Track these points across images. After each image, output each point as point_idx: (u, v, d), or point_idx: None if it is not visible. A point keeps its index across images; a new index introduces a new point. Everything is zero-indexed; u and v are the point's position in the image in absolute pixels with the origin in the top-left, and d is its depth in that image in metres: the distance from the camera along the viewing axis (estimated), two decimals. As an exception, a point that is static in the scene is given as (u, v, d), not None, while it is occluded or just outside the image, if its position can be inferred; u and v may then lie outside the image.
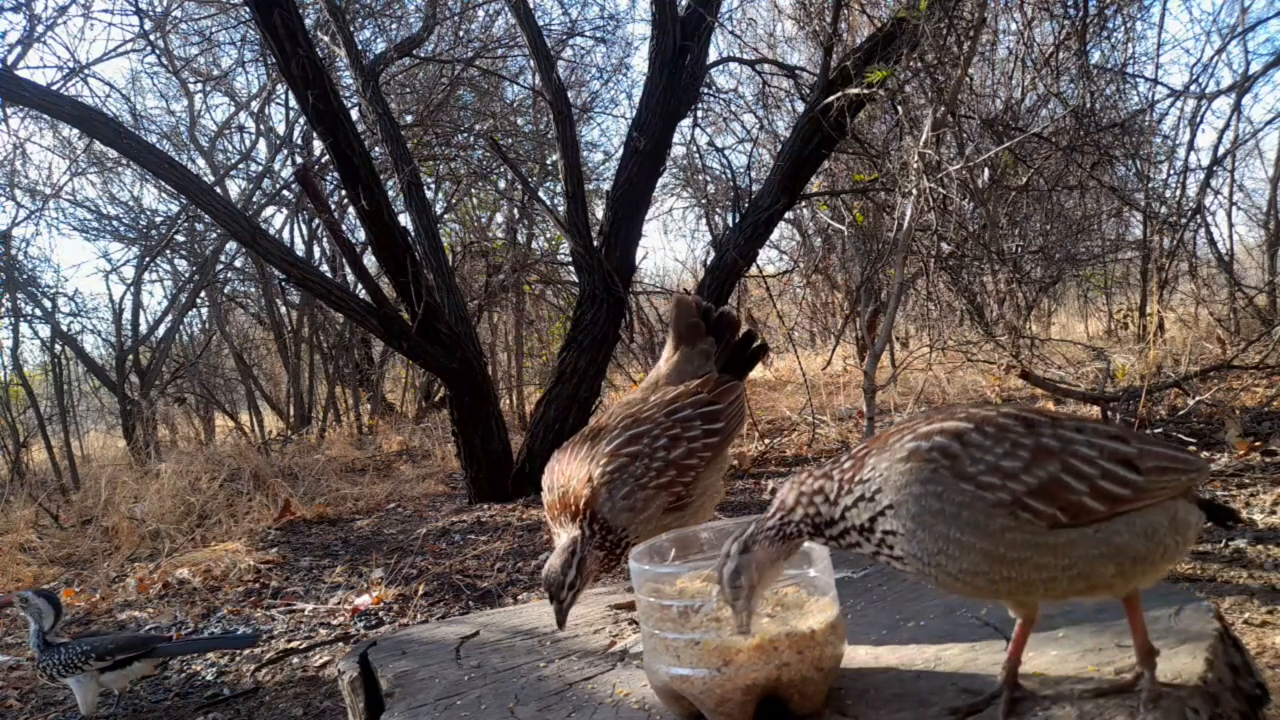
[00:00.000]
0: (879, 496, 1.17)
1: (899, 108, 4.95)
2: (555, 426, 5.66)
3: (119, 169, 10.07)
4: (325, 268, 10.26)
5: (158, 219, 10.44)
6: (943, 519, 1.13)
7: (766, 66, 6.65)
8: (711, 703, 1.23)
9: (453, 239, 10.12)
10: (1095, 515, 1.12)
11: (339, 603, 4.00)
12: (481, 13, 8.87)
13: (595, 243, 5.81)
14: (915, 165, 4.30)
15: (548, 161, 9.28)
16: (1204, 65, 6.84)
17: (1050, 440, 1.15)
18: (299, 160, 10.00)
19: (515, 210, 10.19)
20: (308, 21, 5.44)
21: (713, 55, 6.39)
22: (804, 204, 7.77)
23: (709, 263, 6.05)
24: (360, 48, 6.64)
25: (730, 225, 6.31)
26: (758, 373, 10.46)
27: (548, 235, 9.88)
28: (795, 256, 10.57)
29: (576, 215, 5.68)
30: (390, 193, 5.57)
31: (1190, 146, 6.08)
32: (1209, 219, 6.89)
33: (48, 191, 9.65)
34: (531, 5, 6.03)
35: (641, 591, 1.32)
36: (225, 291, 11.00)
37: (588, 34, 8.94)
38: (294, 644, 3.55)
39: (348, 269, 8.05)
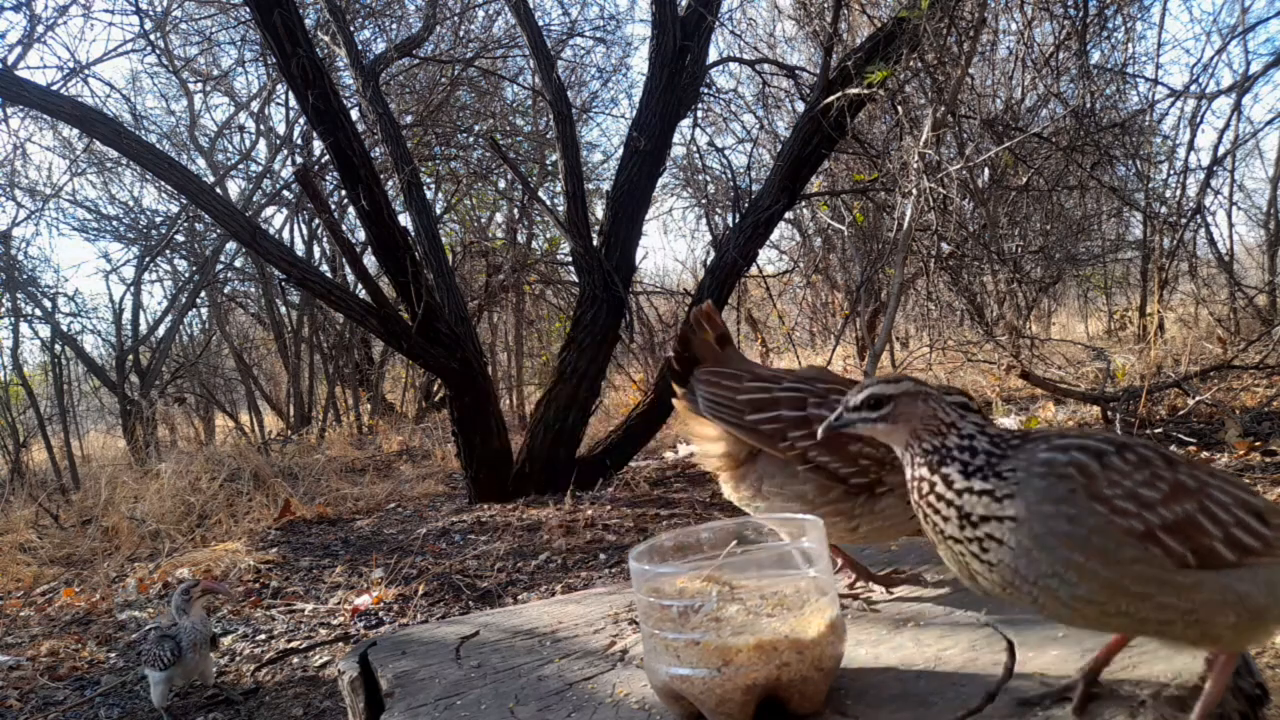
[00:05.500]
0: (1006, 503, 1.12)
1: (899, 108, 4.96)
2: (555, 426, 5.66)
3: (119, 169, 10.09)
4: (325, 268, 10.27)
5: (158, 219, 10.46)
6: (1068, 542, 1.08)
7: (766, 66, 6.65)
8: (711, 703, 1.23)
9: (453, 239, 10.13)
10: (1224, 562, 1.08)
11: (339, 603, 4.00)
12: (481, 13, 8.88)
13: (595, 243, 5.81)
14: (915, 165, 4.30)
15: (548, 161, 9.28)
16: (1204, 65, 6.87)
17: (1188, 479, 1.11)
18: (299, 160, 10.00)
19: (515, 210, 10.20)
20: (308, 21, 5.44)
21: (713, 55, 6.40)
22: (804, 204, 7.78)
23: (709, 263, 6.05)
24: (360, 48, 6.64)
25: (730, 225, 6.31)
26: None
27: (548, 235, 9.89)
28: (795, 256, 10.57)
29: (576, 215, 5.67)
30: (390, 193, 5.57)
31: (1190, 146, 6.10)
32: (1209, 219, 6.90)
33: (48, 191, 9.67)
34: (531, 5, 6.03)
35: (641, 591, 1.32)
36: (225, 291, 11.01)
37: (588, 34, 8.95)
38: (294, 644, 3.55)
39: (348, 269, 8.06)
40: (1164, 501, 1.08)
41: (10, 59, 7.33)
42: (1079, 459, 1.11)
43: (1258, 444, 4.55)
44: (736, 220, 5.94)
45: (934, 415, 1.20)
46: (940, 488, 1.17)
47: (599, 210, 7.89)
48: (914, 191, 4.36)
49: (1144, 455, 1.12)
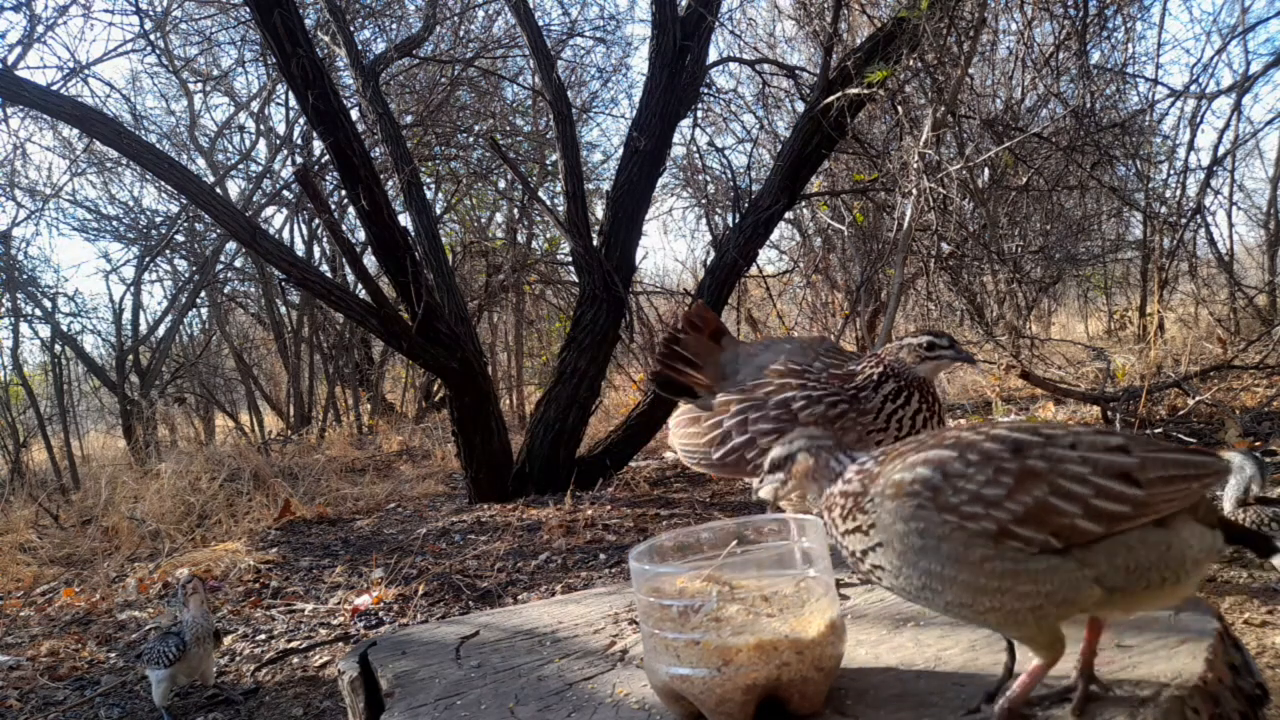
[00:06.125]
0: (872, 532, 1.17)
1: (899, 108, 4.96)
2: (555, 426, 5.66)
3: (119, 169, 10.09)
4: (325, 268, 10.27)
5: (158, 219, 10.46)
6: (925, 555, 1.11)
7: (766, 66, 6.65)
8: (711, 703, 1.23)
9: (453, 239, 10.13)
10: (1091, 536, 1.07)
11: (339, 603, 4.00)
12: (481, 13, 8.88)
13: (595, 243, 5.81)
14: (915, 165, 4.30)
15: (548, 161, 9.28)
16: (1204, 65, 6.88)
17: (1037, 462, 1.10)
18: (299, 160, 10.00)
19: (515, 210, 10.20)
20: (308, 21, 5.44)
21: (713, 55, 6.39)
22: (804, 204, 7.78)
23: (709, 263, 6.05)
24: (360, 48, 6.64)
25: (730, 225, 6.31)
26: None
27: (548, 235, 9.89)
28: (795, 256, 10.55)
29: (576, 215, 5.68)
30: (390, 193, 5.57)
31: (1190, 146, 6.10)
32: (1209, 219, 6.91)
33: (48, 191, 9.67)
34: (531, 5, 6.03)
35: (641, 591, 1.32)
36: (225, 291, 11.01)
37: (588, 34, 8.95)
38: (294, 644, 3.55)
39: (348, 269, 8.06)
40: (1010, 495, 1.08)
41: (10, 59, 7.34)
42: (922, 474, 1.13)
43: (1258, 444, 4.55)
44: (736, 220, 5.94)
45: (826, 465, 1.29)
46: (833, 530, 1.25)
47: (599, 210, 7.90)
48: (914, 191, 4.36)
49: (987, 451, 1.12)
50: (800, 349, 1.95)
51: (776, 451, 1.36)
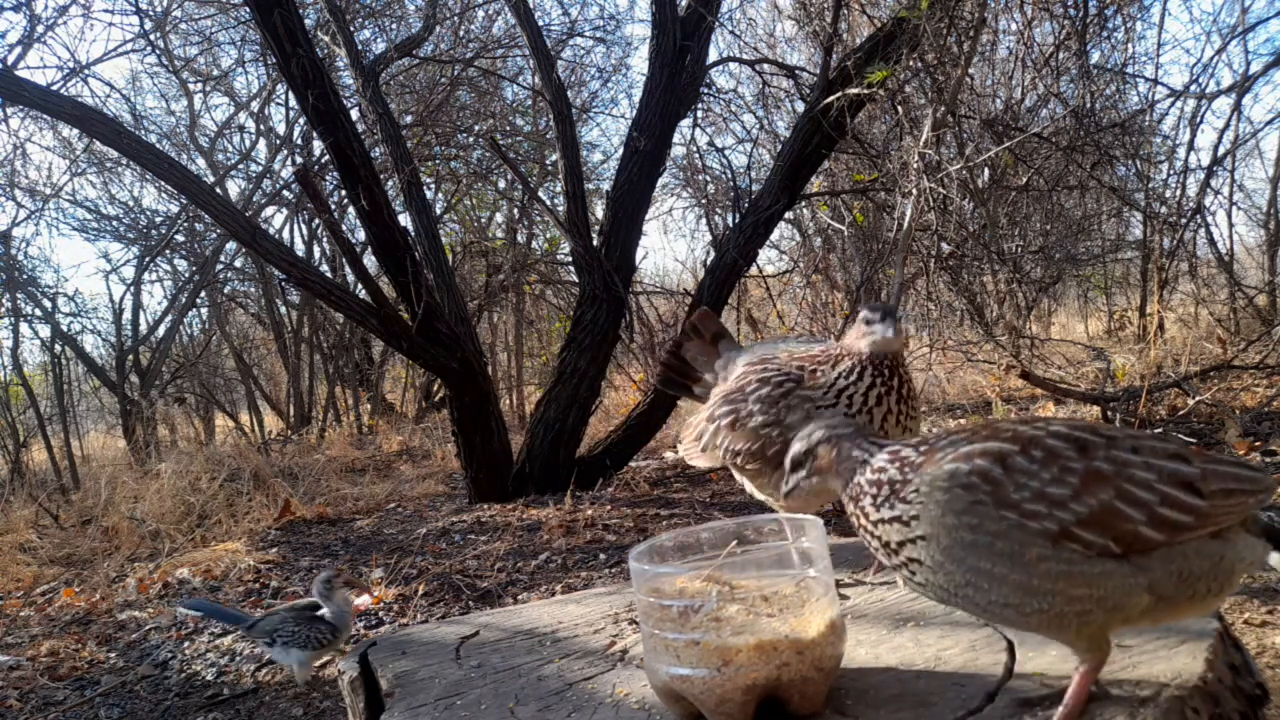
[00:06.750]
0: (914, 524, 1.12)
1: (899, 108, 4.96)
2: (555, 426, 5.66)
3: (119, 169, 10.08)
4: (325, 268, 10.27)
5: (158, 219, 10.46)
6: (975, 551, 1.06)
7: (766, 66, 6.65)
8: (711, 703, 1.23)
9: (453, 239, 10.13)
10: (1152, 544, 1.04)
11: (339, 603, 3.99)
12: (481, 13, 8.88)
13: (595, 243, 5.81)
14: (915, 165, 4.30)
15: (548, 161, 9.29)
16: (1204, 65, 6.88)
17: (1103, 464, 1.06)
18: (299, 160, 10.00)
19: (515, 210, 10.20)
20: (308, 21, 5.44)
21: (713, 55, 6.40)
22: (804, 204, 7.78)
23: (709, 263, 6.05)
24: (360, 48, 6.64)
25: (730, 225, 6.31)
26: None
27: (548, 235, 9.89)
28: (795, 256, 10.55)
29: (576, 215, 5.68)
30: (390, 193, 5.57)
31: (1190, 146, 6.09)
32: (1209, 219, 6.91)
33: (48, 191, 9.66)
34: (531, 5, 6.03)
35: (641, 592, 1.32)
36: (225, 291, 11.01)
37: (588, 34, 8.95)
38: (294, 644, 3.54)
39: (348, 269, 8.06)
40: (1076, 495, 1.05)
41: (10, 59, 7.34)
42: (981, 466, 1.09)
43: (1258, 444, 4.55)
44: (736, 220, 5.94)
45: (849, 456, 1.24)
46: (862, 520, 1.20)
47: (599, 210, 7.90)
48: (914, 191, 4.36)
49: (1052, 448, 1.08)
50: (773, 342, 2.10)
51: (796, 448, 1.31)
